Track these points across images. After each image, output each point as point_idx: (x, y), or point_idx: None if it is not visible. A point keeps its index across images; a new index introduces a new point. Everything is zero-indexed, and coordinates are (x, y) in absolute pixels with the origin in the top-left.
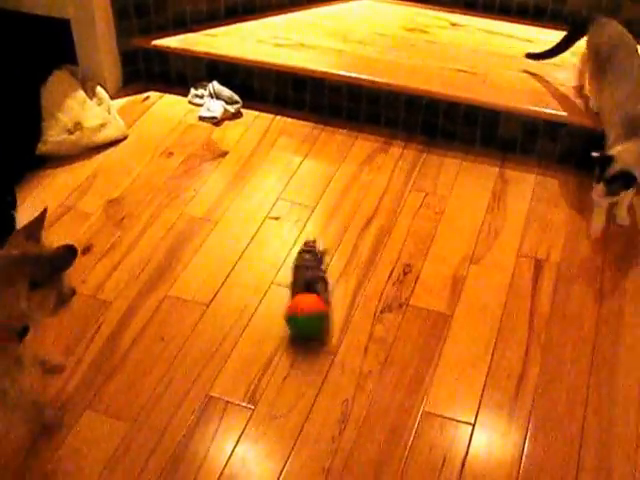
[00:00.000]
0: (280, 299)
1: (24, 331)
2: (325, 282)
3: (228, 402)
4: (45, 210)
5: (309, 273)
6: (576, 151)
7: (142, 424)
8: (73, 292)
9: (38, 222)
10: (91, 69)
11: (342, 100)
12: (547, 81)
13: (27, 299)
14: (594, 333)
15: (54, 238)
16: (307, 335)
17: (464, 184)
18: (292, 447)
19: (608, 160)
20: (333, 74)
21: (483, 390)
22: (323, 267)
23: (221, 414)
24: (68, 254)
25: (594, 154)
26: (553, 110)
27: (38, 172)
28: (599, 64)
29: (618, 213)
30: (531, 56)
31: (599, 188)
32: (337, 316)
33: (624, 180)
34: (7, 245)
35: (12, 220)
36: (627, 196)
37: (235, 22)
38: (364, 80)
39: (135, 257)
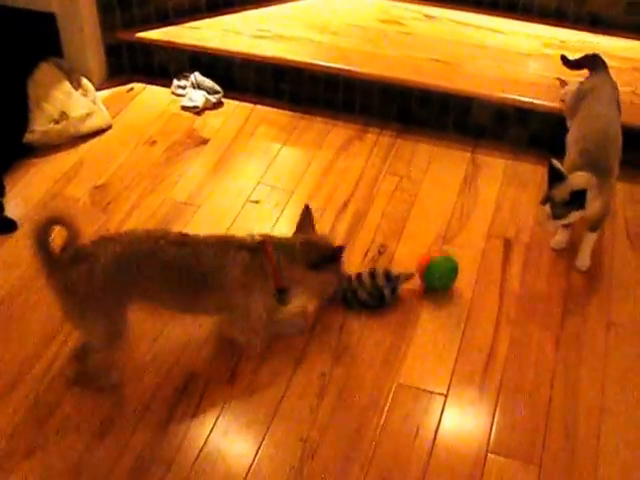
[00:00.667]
0: None
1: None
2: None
3: (209, 379)
4: (309, 208)
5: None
6: (545, 136)
7: (127, 399)
8: (339, 280)
9: (310, 216)
10: (76, 61)
11: (320, 89)
12: (517, 70)
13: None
14: (562, 310)
15: None
16: (446, 277)
17: (437, 168)
18: (271, 419)
19: (561, 177)
20: (311, 64)
21: (455, 363)
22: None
23: (202, 391)
24: (341, 249)
25: (554, 161)
26: (523, 97)
27: (26, 161)
28: (576, 101)
29: (580, 256)
30: (564, 60)
31: (546, 209)
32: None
33: (577, 200)
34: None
35: (1, 208)
36: (591, 238)
37: (216, 15)
38: (341, 70)
39: None
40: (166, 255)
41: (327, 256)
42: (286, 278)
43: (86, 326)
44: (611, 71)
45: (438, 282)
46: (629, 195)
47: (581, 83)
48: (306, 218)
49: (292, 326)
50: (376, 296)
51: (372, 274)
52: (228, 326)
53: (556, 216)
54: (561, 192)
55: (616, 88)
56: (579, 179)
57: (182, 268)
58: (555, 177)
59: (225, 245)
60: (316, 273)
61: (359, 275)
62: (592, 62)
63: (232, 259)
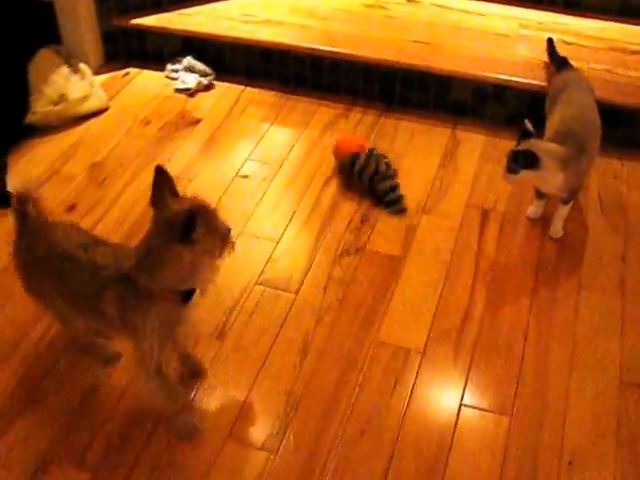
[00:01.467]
0: (248, 248)
1: (189, 294)
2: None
3: (199, 336)
4: (164, 170)
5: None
6: (523, 113)
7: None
8: (229, 230)
9: (171, 179)
10: (74, 48)
11: (306, 71)
12: (496, 49)
13: (190, 255)
14: (535, 274)
15: (42, 197)
16: None
17: (418, 144)
18: (257, 374)
19: (528, 136)
20: (297, 46)
21: (432, 323)
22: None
23: (192, 347)
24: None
25: (527, 121)
26: (501, 75)
27: (27, 141)
28: (553, 97)
29: (553, 225)
30: (550, 44)
31: (504, 163)
32: (299, 260)
33: (525, 158)
34: (153, 203)
35: (3, 183)
36: (564, 210)
37: (207, 2)
38: (326, 51)
39: (115, 213)
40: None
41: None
42: (178, 281)
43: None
44: (588, 51)
45: None
46: (604, 169)
47: (554, 80)
48: (162, 183)
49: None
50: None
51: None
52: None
53: (508, 169)
54: (517, 148)
55: (588, 81)
56: (538, 144)
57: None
58: (523, 135)
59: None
60: (194, 246)
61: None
62: (563, 63)
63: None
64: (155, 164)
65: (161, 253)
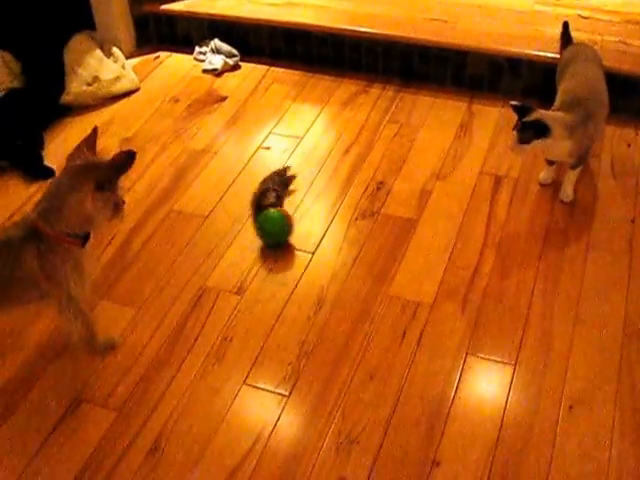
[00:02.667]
0: None
1: (86, 237)
2: (277, 192)
3: (220, 291)
4: (96, 128)
5: (264, 185)
6: (537, 86)
7: (147, 310)
8: (123, 201)
9: (93, 136)
10: (107, 33)
11: (327, 50)
12: (511, 25)
13: (92, 202)
14: (544, 235)
15: None
16: (271, 231)
17: (435, 117)
18: (273, 325)
19: (527, 110)
20: (319, 26)
21: (441, 280)
22: (281, 185)
23: (213, 301)
24: (128, 157)
25: (513, 103)
26: (516, 49)
27: (62, 119)
28: (562, 67)
29: (563, 188)
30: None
31: (512, 135)
32: (316, 224)
33: (536, 128)
34: (69, 157)
35: (41, 158)
36: (573, 174)
37: None
38: (346, 30)
39: (145, 182)
40: None
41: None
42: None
43: None
44: (603, 24)
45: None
46: (617, 136)
47: (563, 54)
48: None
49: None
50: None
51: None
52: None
53: (520, 140)
54: (527, 119)
55: (596, 53)
56: (546, 114)
57: None
58: (522, 112)
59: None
60: (101, 195)
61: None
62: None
63: (16, 260)
64: (183, 137)
65: (62, 200)
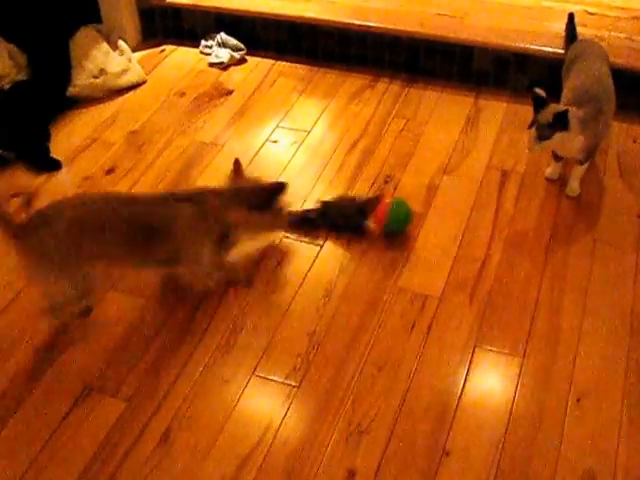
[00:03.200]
0: None
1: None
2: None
3: (229, 282)
4: (238, 160)
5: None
6: (544, 81)
7: (156, 300)
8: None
9: (238, 166)
10: (114, 26)
11: (334, 44)
12: (518, 20)
13: (246, 219)
14: (551, 229)
15: (83, 162)
16: (404, 218)
17: (442, 112)
18: (282, 316)
19: (544, 103)
20: (326, 20)
21: (450, 273)
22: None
23: (223, 292)
24: (281, 185)
25: (537, 90)
26: (522, 44)
27: (69, 112)
28: (569, 63)
29: (570, 183)
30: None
31: (532, 133)
32: None
33: (560, 120)
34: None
35: (47, 150)
36: (580, 170)
37: None
38: (353, 25)
39: (152, 174)
40: (119, 214)
41: (269, 195)
42: (229, 223)
43: (50, 288)
44: (610, 20)
45: (397, 225)
46: (624, 132)
47: (569, 50)
48: (238, 170)
49: (235, 272)
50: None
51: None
52: (183, 275)
53: (541, 137)
54: (545, 114)
55: (603, 49)
56: (560, 107)
57: (135, 225)
58: (539, 104)
59: (171, 199)
60: (259, 214)
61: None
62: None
63: (178, 211)
64: (190, 130)
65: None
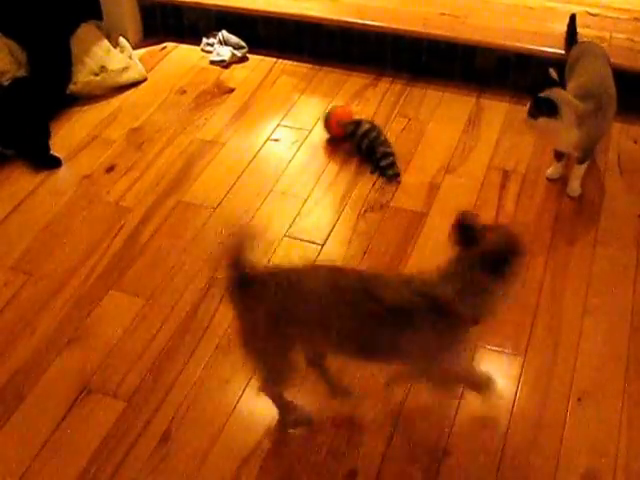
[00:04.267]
0: (278, 204)
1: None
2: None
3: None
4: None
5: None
6: (546, 81)
7: (156, 300)
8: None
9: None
10: (115, 23)
11: (336, 43)
12: (521, 21)
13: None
14: (552, 228)
15: (83, 160)
16: None
17: (444, 111)
18: None
19: (550, 84)
20: (328, 19)
21: None
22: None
23: (224, 291)
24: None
25: (551, 70)
26: (524, 44)
27: (69, 109)
28: (572, 63)
29: (570, 183)
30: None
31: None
32: (326, 216)
33: (544, 105)
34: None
35: (47, 148)
36: (580, 169)
37: None
38: (355, 24)
39: (152, 173)
40: (347, 291)
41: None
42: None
43: (252, 354)
44: (611, 21)
45: None
46: (624, 133)
47: (572, 51)
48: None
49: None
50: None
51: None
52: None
53: (530, 114)
54: (539, 96)
55: (604, 50)
56: (560, 93)
57: (367, 305)
58: (548, 84)
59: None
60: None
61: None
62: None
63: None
64: (191, 128)
65: (479, 285)
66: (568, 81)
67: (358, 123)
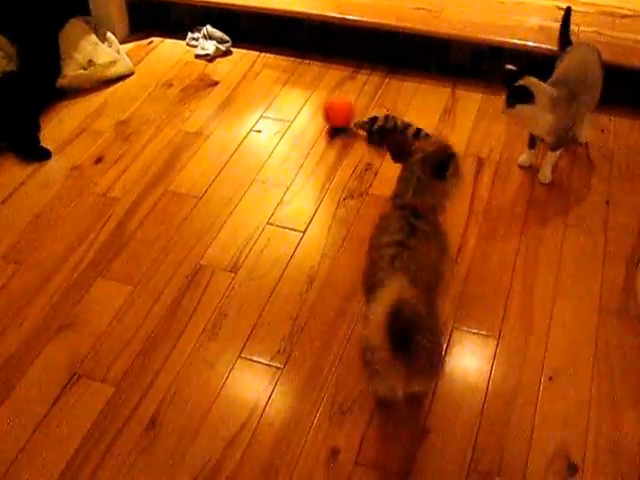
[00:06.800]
0: (260, 193)
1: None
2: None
3: (214, 269)
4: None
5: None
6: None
7: (143, 287)
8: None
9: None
10: (102, 19)
11: (316, 37)
12: (493, 15)
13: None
14: (524, 214)
15: (72, 152)
16: None
17: (420, 102)
18: (266, 301)
19: (518, 75)
20: (309, 14)
21: None
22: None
23: (208, 278)
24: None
25: (508, 67)
26: (497, 37)
27: (58, 102)
28: (563, 55)
29: (542, 170)
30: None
31: (503, 100)
32: (306, 204)
33: (520, 93)
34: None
35: (37, 140)
36: (552, 156)
37: None
38: (335, 18)
39: (139, 163)
40: None
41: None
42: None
43: None
44: (579, 15)
45: None
46: (594, 124)
47: (566, 50)
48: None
49: None
50: None
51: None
52: None
53: (508, 104)
54: (515, 85)
55: (595, 47)
56: (532, 81)
57: None
58: (512, 77)
59: None
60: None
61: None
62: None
63: None
64: (177, 120)
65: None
66: (556, 68)
67: (373, 119)
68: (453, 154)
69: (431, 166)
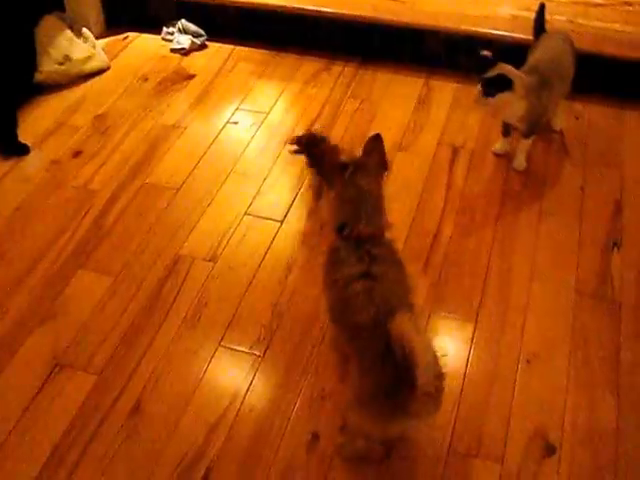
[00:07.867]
0: (238, 184)
1: None
2: None
3: (194, 259)
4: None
5: None
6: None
7: (124, 277)
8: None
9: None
10: (77, 15)
11: (291, 29)
12: (467, 6)
13: None
14: (499, 201)
15: (51, 146)
16: None
17: (394, 92)
18: (246, 289)
19: (491, 63)
20: (283, 7)
21: (404, 244)
22: None
23: (188, 268)
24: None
25: (483, 52)
26: (471, 27)
27: (35, 98)
28: (534, 46)
29: (516, 157)
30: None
31: (477, 89)
32: (284, 194)
33: (500, 82)
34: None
35: (15, 136)
36: (525, 144)
37: None
38: (309, 10)
39: (117, 157)
40: None
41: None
42: None
43: None
44: (552, 5)
45: None
46: (568, 111)
47: (539, 38)
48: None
49: None
50: None
51: None
52: None
53: (486, 93)
54: (493, 72)
55: (568, 35)
56: (507, 68)
57: None
58: (487, 64)
59: None
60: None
61: None
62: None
63: None
64: (154, 114)
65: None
66: (529, 56)
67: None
68: (377, 134)
69: (372, 159)
